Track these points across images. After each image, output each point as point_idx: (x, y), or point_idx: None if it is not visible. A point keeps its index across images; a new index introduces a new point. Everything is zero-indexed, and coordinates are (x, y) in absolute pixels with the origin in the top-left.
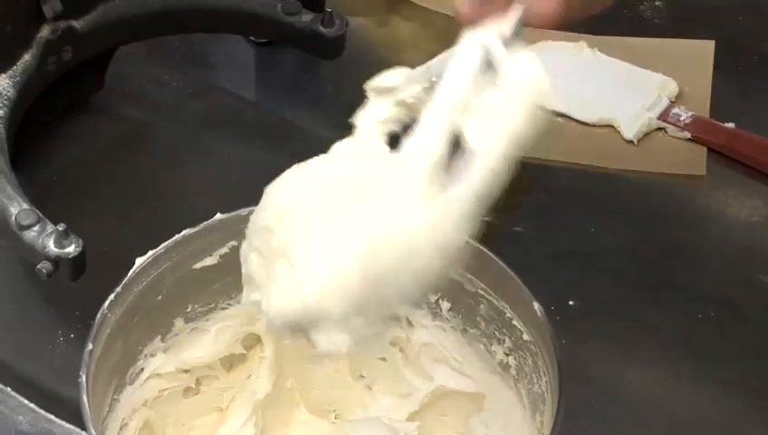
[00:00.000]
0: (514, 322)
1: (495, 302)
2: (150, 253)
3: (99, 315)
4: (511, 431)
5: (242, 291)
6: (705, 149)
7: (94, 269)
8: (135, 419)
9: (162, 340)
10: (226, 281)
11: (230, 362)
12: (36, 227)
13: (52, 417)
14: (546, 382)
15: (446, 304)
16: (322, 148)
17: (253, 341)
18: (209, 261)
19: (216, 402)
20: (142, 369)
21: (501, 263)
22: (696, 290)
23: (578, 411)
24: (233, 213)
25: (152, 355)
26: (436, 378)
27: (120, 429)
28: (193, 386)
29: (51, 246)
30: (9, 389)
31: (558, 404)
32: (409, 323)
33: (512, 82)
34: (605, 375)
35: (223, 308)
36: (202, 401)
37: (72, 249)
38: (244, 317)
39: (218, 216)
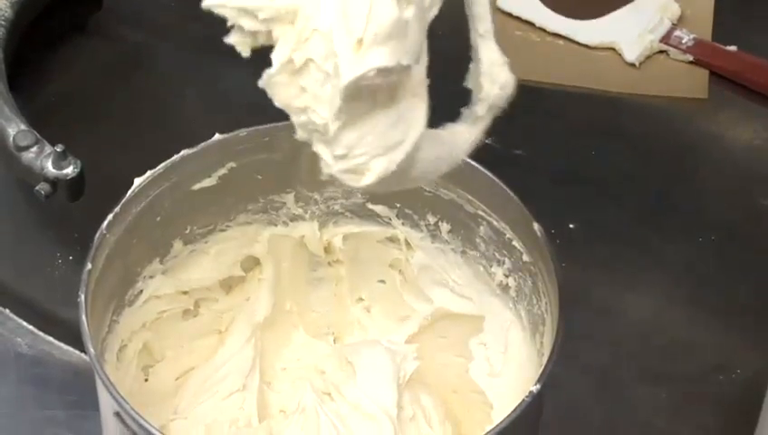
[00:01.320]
0: (514, 243)
1: (495, 223)
2: (149, 173)
3: (97, 235)
4: (510, 352)
5: (241, 212)
6: (706, 72)
7: (93, 191)
8: (134, 340)
9: (161, 262)
10: (225, 202)
11: (229, 284)
12: (34, 149)
13: (50, 339)
14: (546, 304)
15: (445, 226)
16: None
17: (252, 263)
18: (208, 182)
19: (214, 325)
20: (141, 291)
21: (501, 183)
22: (696, 214)
23: (577, 334)
24: (231, 133)
25: (151, 277)
26: (435, 300)
27: (119, 350)
28: (191, 308)
29: (49, 167)
30: (8, 310)
31: (558, 325)
32: (408, 246)
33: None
34: (605, 298)
35: (221, 230)
36: (201, 323)
37: (70, 170)
38: (244, 239)
39: (217, 136)
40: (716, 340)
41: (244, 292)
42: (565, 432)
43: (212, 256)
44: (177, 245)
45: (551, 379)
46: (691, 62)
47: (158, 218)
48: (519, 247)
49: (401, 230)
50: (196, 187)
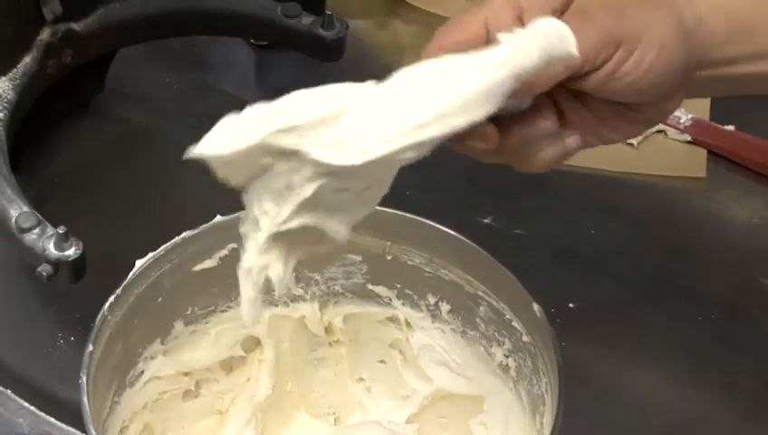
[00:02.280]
0: (514, 323)
1: (495, 303)
2: (150, 255)
3: (99, 317)
4: (510, 433)
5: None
6: (705, 152)
7: (95, 271)
8: (135, 422)
9: (162, 342)
10: (226, 283)
11: (230, 364)
12: (36, 230)
13: (52, 420)
14: (546, 383)
15: (445, 306)
16: None
17: (252, 344)
18: (209, 263)
19: (215, 405)
20: (142, 371)
21: (499, 264)
22: (696, 292)
23: (578, 413)
24: (232, 215)
25: (152, 358)
26: (436, 380)
27: (120, 431)
28: (192, 389)
29: (51, 249)
30: (9, 391)
31: (558, 405)
32: (408, 325)
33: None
34: (605, 377)
35: (222, 311)
36: (202, 404)
37: (72, 252)
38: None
39: (218, 218)
40: (717, 418)
41: (244, 373)
42: None
43: (213, 337)
44: (179, 325)
45: None
46: (689, 142)
47: (160, 299)
48: (519, 328)
49: (401, 311)
50: (197, 268)
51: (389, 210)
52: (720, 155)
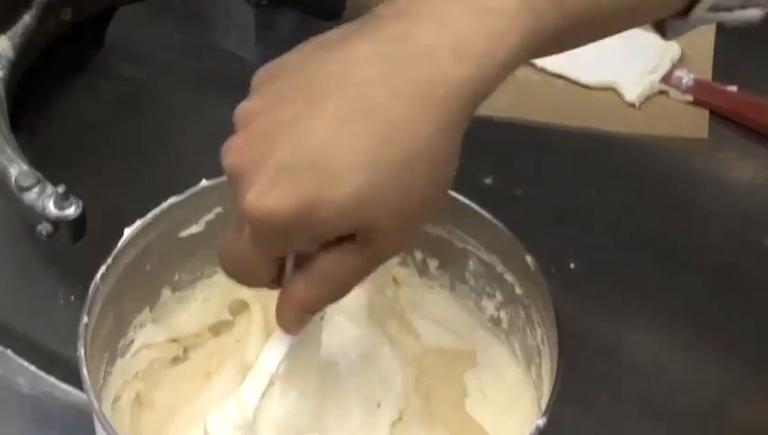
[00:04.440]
0: (506, 276)
1: (485, 257)
2: (138, 222)
3: (92, 287)
4: (505, 384)
5: None
6: (707, 112)
7: (95, 229)
8: (127, 391)
9: (151, 310)
10: (212, 248)
11: (218, 329)
12: (36, 189)
13: (52, 379)
14: (542, 334)
15: (433, 262)
16: None
17: (239, 307)
18: (195, 229)
19: (204, 367)
20: (132, 340)
21: (490, 217)
22: (696, 253)
23: (577, 372)
24: (218, 179)
25: (141, 326)
26: (425, 336)
27: (114, 402)
28: (181, 355)
29: (51, 208)
30: (9, 351)
31: (558, 354)
32: (396, 282)
33: None
34: (604, 337)
35: (208, 276)
36: (190, 367)
37: (72, 211)
38: (230, 284)
39: (204, 182)
40: (717, 379)
41: (233, 335)
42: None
43: (200, 302)
44: (166, 292)
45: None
46: (691, 102)
47: (148, 267)
48: (511, 280)
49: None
50: (184, 233)
51: None
52: (722, 115)
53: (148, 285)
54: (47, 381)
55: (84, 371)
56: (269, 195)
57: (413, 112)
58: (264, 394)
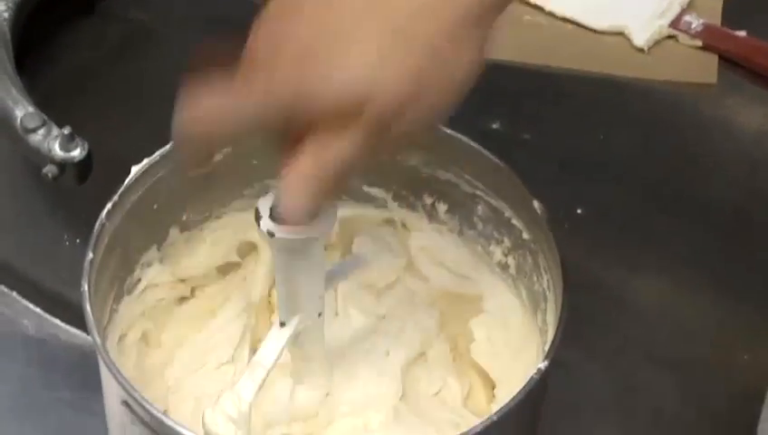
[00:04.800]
0: (513, 221)
1: (494, 202)
2: (146, 160)
3: (98, 224)
4: (511, 330)
5: (236, 198)
6: (716, 57)
7: (100, 172)
8: (133, 329)
9: (158, 249)
10: (221, 188)
11: (225, 269)
12: (42, 131)
13: (57, 321)
14: (548, 280)
15: (442, 207)
16: None
17: (248, 249)
18: (203, 168)
19: (210, 306)
20: (139, 279)
21: (499, 162)
22: (704, 199)
23: (582, 318)
24: None
25: (149, 265)
26: (433, 280)
27: (120, 339)
28: (188, 295)
29: (56, 150)
30: (14, 293)
31: (562, 299)
32: (404, 227)
33: None
34: (611, 283)
35: (217, 217)
36: (196, 305)
37: (77, 153)
38: (239, 225)
39: None
40: (723, 325)
41: (240, 275)
42: (570, 411)
43: (208, 244)
44: (174, 232)
45: (555, 360)
46: (700, 47)
47: (155, 206)
48: (518, 225)
49: (397, 213)
50: (192, 173)
51: None
52: (731, 60)
53: (155, 223)
54: (52, 324)
55: (88, 306)
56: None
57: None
58: (260, 388)
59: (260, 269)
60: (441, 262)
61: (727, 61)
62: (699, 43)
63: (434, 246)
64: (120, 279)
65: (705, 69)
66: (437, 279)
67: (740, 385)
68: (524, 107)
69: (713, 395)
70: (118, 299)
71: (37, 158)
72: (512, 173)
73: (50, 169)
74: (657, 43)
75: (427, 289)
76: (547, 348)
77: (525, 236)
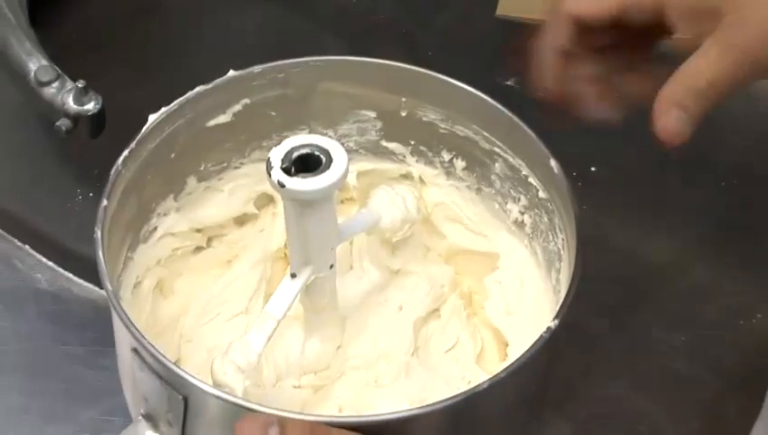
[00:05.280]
0: (530, 179)
1: (511, 159)
2: (164, 109)
3: (113, 171)
4: (526, 289)
5: (255, 150)
6: None
7: (113, 127)
8: (148, 277)
9: (175, 199)
10: (239, 139)
11: (242, 221)
12: (56, 84)
13: (70, 275)
14: (563, 239)
15: (460, 163)
16: (338, 11)
17: (265, 200)
18: (222, 119)
19: (226, 256)
20: (156, 227)
21: (517, 120)
22: (717, 159)
23: (595, 276)
24: (246, 70)
25: (165, 214)
26: (449, 237)
27: (134, 287)
28: (204, 245)
29: (70, 103)
30: (27, 246)
31: (576, 258)
32: (422, 182)
33: None
34: (626, 242)
35: (236, 167)
36: (213, 255)
37: (91, 106)
38: (257, 176)
39: (231, 73)
40: (736, 284)
41: (257, 226)
42: (582, 370)
43: (226, 194)
44: (192, 182)
45: (568, 318)
46: None
47: (173, 155)
48: (535, 184)
49: (415, 168)
50: (211, 123)
51: (404, 66)
52: None
53: (172, 172)
54: (65, 277)
55: (100, 253)
56: None
57: None
58: (269, 339)
59: (277, 221)
60: (457, 218)
61: None
62: None
63: (451, 202)
64: (136, 228)
65: None
66: (453, 236)
67: (752, 344)
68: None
69: (725, 354)
70: (133, 247)
71: (50, 111)
72: (529, 131)
73: (63, 123)
74: None
75: (443, 245)
76: (558, 308)
77: (542, 194)
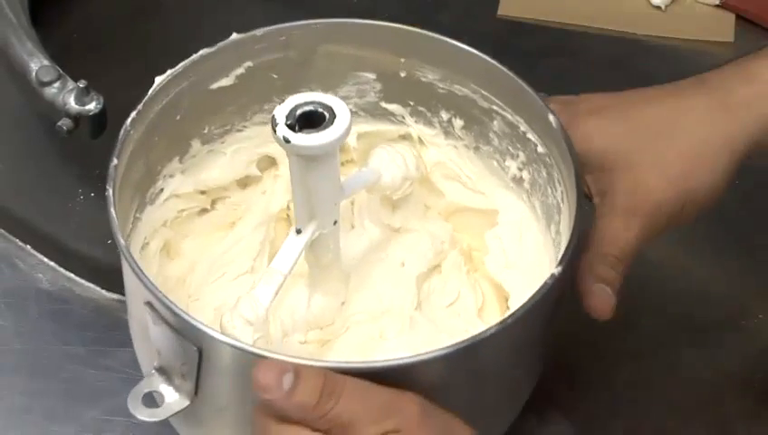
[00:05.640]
0: (529, 135)
1: (510, 117)
2: (169, 72)
3: (122, 132)
4: (525, 243)
5: (257, 113)
6: (733, 16)
7: (115, 127)
8: (155, 239)
9: (180, 161)
10: (241, 102)
11: (245, 183)
12: (57, 84)
13: (71, 275)
14: (561, 192)
15: (458, 122)
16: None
17: (267, 163)
18: (225, 81)
19: (229, 217)
20: (162, 189)
21: (515, 77)
22: None
23: None
24: (248, 33)
25: (171, 176)
26: (448, 195)
27: (142, 248)
28: (209, 207)
29: (71, 103)
30: (29, 246)
31: (576, 207)
32: (421, 142)
33: None
34: None
35: (238, 130)
36: (217, 217)
37: (92, 106)
38: (260, 139)
39: (234, 36)
40: (739, 284)
41: (259, 188)
42: (582, 366)
43: (229, 156)
44: (196, 144)
45: (569, 271)
46: (717, 6)
47: (178, 117)
48: (533, 139)
49: (414, 128)
50: (214, 86)
51: (403, 27)
52: (748, 20)
53: (177, 134)
54: (66, 277)
55: (112, 210)
56: None
57: None
58: (276, 294)
59: (279, 183)
60: (456, 177)
61: (744, 20)
62: (716, 1)
63: (449, 160)
64: (143, 189)
65: (722, 28)
66: (452, 194)
67: (753, 344)
68: (541, 64)
69: (726, 355)
70: (141, 208)
71: (52, 111)
72: (527, 88)
73: (64, 123)
74: (674, 1)
75: (442, 204)
76: (560, 255)
77: (540, 149)
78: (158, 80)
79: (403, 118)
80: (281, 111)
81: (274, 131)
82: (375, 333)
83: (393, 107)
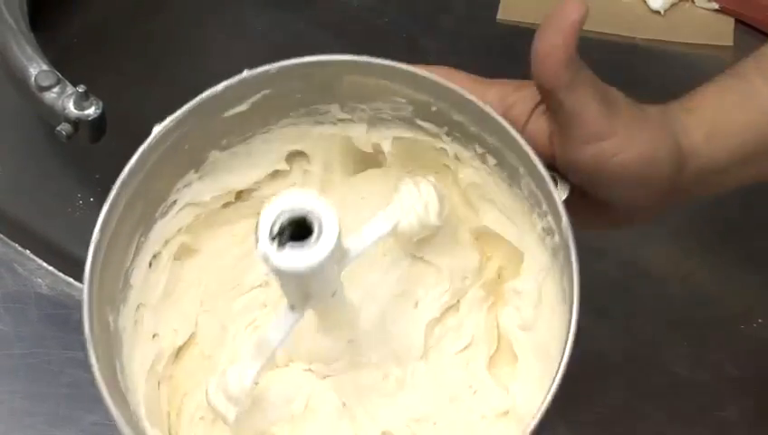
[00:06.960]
0: (548, 217)
1: (533, 184)
2: (168, 119)
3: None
4: (543, 306)
5: (283, 118)
6: (732, 20)
7: (114, 131)
8: (169, 247)
9: (196, 171)
10: (264, 116)
11: (273, 175)
12: (56, 89)
13: (70, 280)
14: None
15: (491, 160)
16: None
17: (297, 156)
18: (240, 108)
19: (256, 208)
20: (175, 201)
21: (531, 152)
22: None
23: (599, 284)
24: (261, 69)
25: (187, 186)
26: (481, 213)
27: (153, 258)
28: (233, 201)
29: (70, 108)
30: (28, 251)
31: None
32: (458, 159)
33: None
34: (627, 248)
35: (264, 132)
36: (242, 207)
37: (92, 111)
38: (289, 137)
39: (245, 73)
40: (738, 288)
41: (289, 180)
42: (581, 370)
43: (254, 156)
44: (214, 154)
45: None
46: (717, 11)
47: (186, 147)
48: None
49: (450, 146)
50: (228, 114)
51: (426, 75)
52: (748, 24)
53: (187, 161)
54: (66, 282)
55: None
56: None
57: None
58: (263, 368)
59: (309, 177)
60: (491, 199)
61: (744, 24)
62: (716, 6)
63: (484, 184)
64: (147, 216)
65: (722, 32)
66: (485, 214)
67: (753, 349)
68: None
69: (725, 359)
70: (147, 231)
71: (51, 116)
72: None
73: (64, 128)
74: (673, 5)
75: (474, 221)
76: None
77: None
78: (156, 130)
79: (439, 135)
80: (266, 218)
81: (256, 245)
82: (378, 377)
83: (428, 126)
